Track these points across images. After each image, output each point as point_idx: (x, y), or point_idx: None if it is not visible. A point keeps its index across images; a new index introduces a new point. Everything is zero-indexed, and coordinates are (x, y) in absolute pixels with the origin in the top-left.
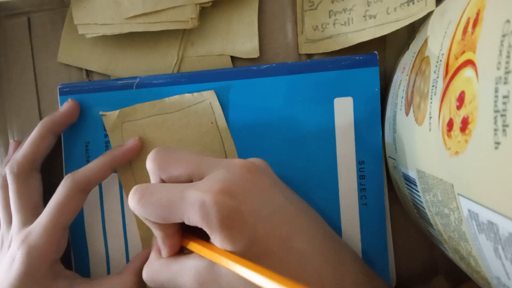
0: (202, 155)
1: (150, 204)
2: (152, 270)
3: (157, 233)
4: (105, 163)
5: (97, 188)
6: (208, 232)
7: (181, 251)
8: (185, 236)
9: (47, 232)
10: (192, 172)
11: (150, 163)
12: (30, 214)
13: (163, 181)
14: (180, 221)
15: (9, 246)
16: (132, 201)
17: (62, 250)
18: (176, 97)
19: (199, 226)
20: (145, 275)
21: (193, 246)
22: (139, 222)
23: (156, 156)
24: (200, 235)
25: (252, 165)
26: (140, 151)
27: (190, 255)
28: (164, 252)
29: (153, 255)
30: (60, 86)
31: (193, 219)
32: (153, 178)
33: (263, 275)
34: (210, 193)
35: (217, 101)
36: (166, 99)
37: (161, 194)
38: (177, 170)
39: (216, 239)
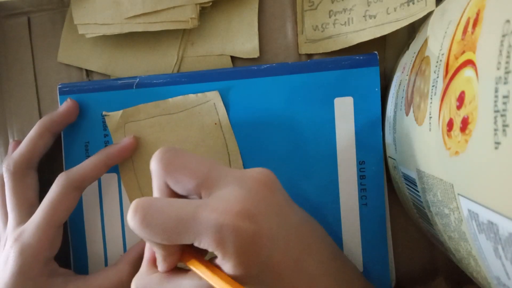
0: (211, 161)
1: (156, 224)
2: (142, 285)
3: (158, 252)
4: (99, 161)
5: (96, 188)
6: (220, 256)
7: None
8: (184, 251)
9: (40, 231)
10: (201, 180)
11: (155, 164)
12: (25, 212)
13: (167, 185)
14: (189, 243)
15: (5, 245)
16: (133, 220)
17: (56, 248)
18: (179, 97)
19: (211, 250)
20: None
21: (195, 265)
22: None
23: (162, 156)
24: (198, 251)
25: (267, 179)
26: (137, 149)
27: (186, 274)
28: (162, 268)
29: (144, 267)
30: (60, 86)
31: (206, 243)
32: (156, 181)
33: None
34: (228, 215)
35: (221, 102)
36: (170, 99)
37: (169, 212)
38: (184, 176)
39: (227, 263)
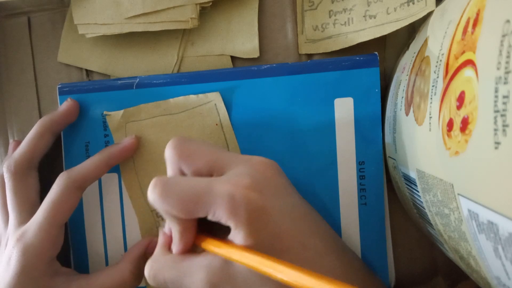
0: (221, 148)
1: (174, 196)
2: (157, 266)
3: (175, 228)
4: (101, 161)
5: (97, 188)
6: (232, 226)
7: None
8: (199, 233)
9: (42, 230)
10: (213, 164)
11: (170, 151)
12: (27, 212)
13: (181, 171)
14: (204, 215)
15: (6, 245)
16: (153, 193)
17: (58, 248)
18: (180, 98)
19: (224, 220)
20: (148, 271)
21: (209, 243)
22: (141, 223)
23: (176, 144)
24: (210, 235)
25: (272, 163)
26: (138, 149)
27: (199, 254)
28: (178, 248)
29: (159, 250)
30: (59, 86)
31: (219, 213)
32: (171, 167)
33: (288, 267)
34: (240, 187)
35: (222, 102)
36: (171, 100)
37: (186, 186)
38: (197, 160)
39: (240, 234)
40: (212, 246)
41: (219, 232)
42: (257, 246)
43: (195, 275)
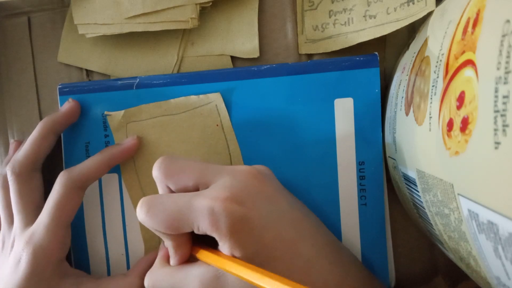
0: (207, 162)
1: (159, 214)
2: (155, 278)
3: (168, 243)
4: (101, 161)
5: (97, 188)
6: (217, 238)
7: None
8: (195, 244)
9: (50, 231)
10: (198, 179)
11: (156, 172)
12: (32, 214)
13: (169, 189)
14: (190, 230)
15: (11, 246)
16: (141, 213)
17: (67, 249)
18: (181, 98)
19: (209, 233)
20: (147, 282)
21: (203, 254)
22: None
23: (161, 164)
24: (209, 244)
25: (257, 172)
26: (140, 150)
27: (195, 263)
28: (174, 261)
29: (158, 262)
30: (60, 86)
31: (203, 226)
32: (160, 186)
33: (273, 279)
34: (219, 200)
35: (223, 103)
36: (172, 100)
37: (169, 204)
38: (182, 178)
39: (225, 245)
40: (205, 256)
41: (215, 240)
42: (243, 256)
43: (190, 284)
